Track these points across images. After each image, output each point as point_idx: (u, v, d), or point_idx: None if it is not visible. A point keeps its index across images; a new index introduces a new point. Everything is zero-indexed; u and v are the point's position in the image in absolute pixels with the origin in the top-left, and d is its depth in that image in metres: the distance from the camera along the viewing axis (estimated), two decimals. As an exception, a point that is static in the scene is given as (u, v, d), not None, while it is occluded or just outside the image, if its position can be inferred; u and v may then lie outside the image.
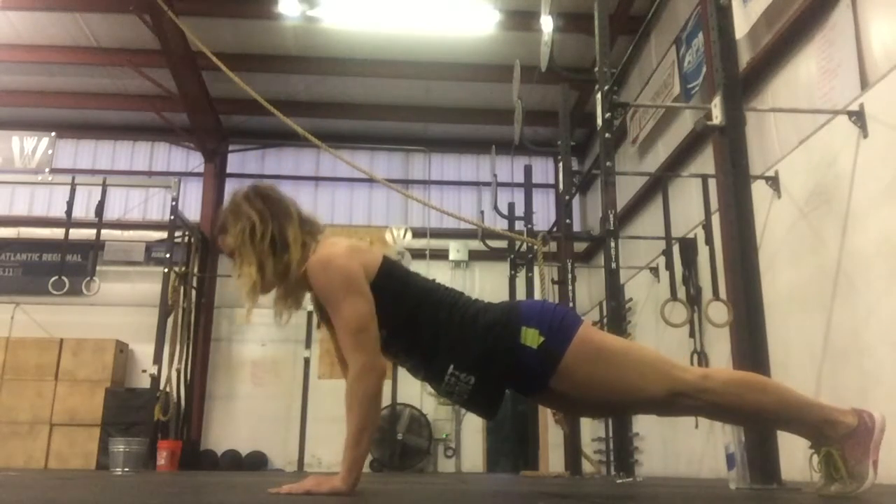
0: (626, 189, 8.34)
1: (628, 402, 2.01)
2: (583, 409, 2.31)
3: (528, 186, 9.24)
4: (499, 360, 1.92)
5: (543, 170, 11.52)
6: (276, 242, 2.00)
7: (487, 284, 11.16)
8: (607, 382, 1.91)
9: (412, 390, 10.33)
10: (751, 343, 3.21)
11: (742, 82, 4.43)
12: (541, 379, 1.92)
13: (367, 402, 1.87)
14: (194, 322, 10.15)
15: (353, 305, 1.90)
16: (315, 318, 9.95)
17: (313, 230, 2.07)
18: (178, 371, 9.37)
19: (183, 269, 9.73)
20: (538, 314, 1.94)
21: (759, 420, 2.22)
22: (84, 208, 9.45)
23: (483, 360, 1.92)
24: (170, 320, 9.13)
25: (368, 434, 1.88)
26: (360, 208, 11.65)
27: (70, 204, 8.42)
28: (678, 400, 1.89)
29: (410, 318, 1.95)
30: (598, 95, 4.86)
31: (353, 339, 1.90)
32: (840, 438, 1.85)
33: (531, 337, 1.89)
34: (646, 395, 1.90)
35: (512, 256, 9.46)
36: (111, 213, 10.32)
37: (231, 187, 11.55)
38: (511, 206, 9.87)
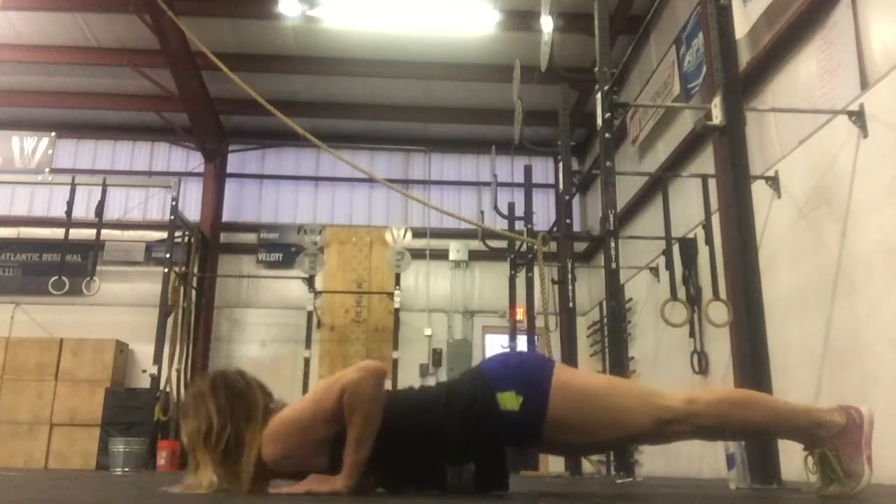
0: (626, 189, 8.34)
1: (620, 437, 2.01)
2: (579, 450, 2.33)
3: (528, 186, 9.23)
4: (488, 437, 1.92)
5: (543, 170, 11.52)
6: (229, 445, 1.91)
7: (487, 284, 11.17)
8: (596, 423, 1.92)
9: (412, 390, 10.33)
10: (751, 343, 3.21)
11: (742, 82, 4.42)
12: (531, 434, 1.93)
13: (366, 407, 1.86)
14: (194, 322, 10.15)
15: (310, 403, 1.90)
16: (315, 319, 9.89)
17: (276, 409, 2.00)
18: (178, 371, 9.37)
19: (183, 269, 9.73)
20: (507, 374, 1.93)
21: (750, 434, 2.26)
22: (84, 208, 9.45)
23: (473, 445, 1.92)
24: (170, 320, 9.13)
25: (369, 438, 1.87)
26: (360, 208, 11.65)
27: (70, 204, 8.42)
28: (667, 428, 1.90)
29: (387, 441, 1.89)
30: (598, 95, 4.85)
31: (333, 386, 1.87)
32: (831, 438, 1.85)
33: (509, 400, 1.88)
34: (635, 428, 1.92)
35: (512, 256, 9.46)
36: (111, 213, 10.32)
37: (231, 187, 11.56)
38: (511, 206, 9.87)
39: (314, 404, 1.90)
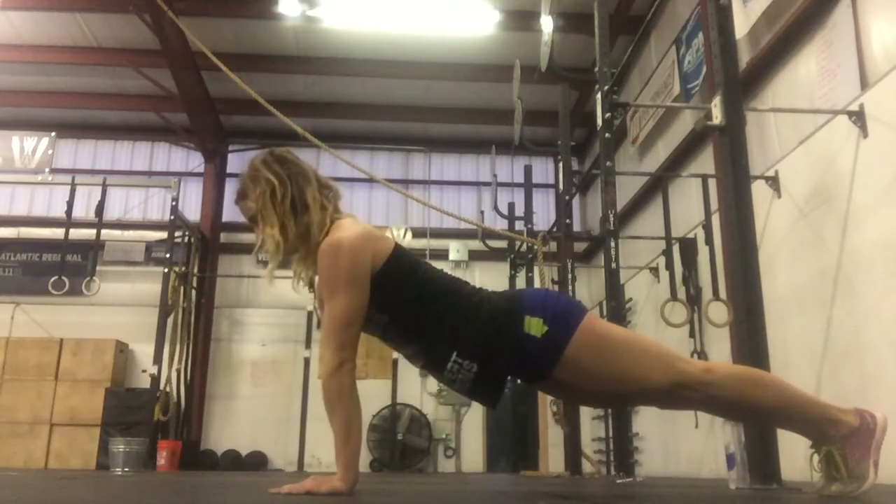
0: (626, 189, 8.34)
1: (630, 392, 2.00)
2: (584, 398, 2.32)
3: (528, 186, 9.23)
4: (502, 348, 1.91)
5: (543, 170, 11.52)
6: (296, 204, 2.04)
7: (487, 284, 10.73)
8: (610, 372, 1.91)
9: (412, 390, 10.34)
10: (751, 343, 3.21)
11: (742, 82, 4.43)
12: (544, 367, 1.92)
13: (346, 397, 1.89)
14: (194, 322, 10.15)
15: (349, 298, 1.92)
16: (315, 318, 9.90)
17: (331, 194, 2.11)
18: (178, 371, 9.37)
19: (183, 269, 9.73)
20: (542, 303, 1.94)
21: (759, 416, 2.20)
22: (84, 208, 9.44)
23: (486, 347, 1.92)
24: (170, 320, 9.13)
25: (356, 428, 1.89)
26: (360, 208, 11.62)
27: (70, 204, 8.41)
28: (680, 392, 1.89)
29: (414, 304, 1.96)
30: (598, 95, 4.86)
31: (339, 333, 1.92)
32: (841, 438, 1.84)
33: (535, 326, 1.89)
34: (648, 385, 1.90)
35: (512, 256, 9.46)
36: (111, 213, 10.31)
37: (231, 187, 11.55)
38: (511, 206, 9.87)
39: (337, 301, 1.95)
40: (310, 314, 9.59)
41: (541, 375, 1.96)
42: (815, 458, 1.91)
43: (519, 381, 2.07)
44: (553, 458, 9.27)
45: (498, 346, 1.91)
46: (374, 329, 2.03)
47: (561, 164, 7.47)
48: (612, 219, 4.72)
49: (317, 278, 2.07)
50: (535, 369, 1.94)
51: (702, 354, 6.56)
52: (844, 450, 1.83)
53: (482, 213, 9.96)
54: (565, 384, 1.98)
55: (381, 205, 11.66)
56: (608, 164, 4.74)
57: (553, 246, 8.08)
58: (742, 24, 5.53)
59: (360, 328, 1.96)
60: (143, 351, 9.67)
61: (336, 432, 1.88)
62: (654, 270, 7.89)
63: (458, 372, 1.93)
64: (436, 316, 1.94)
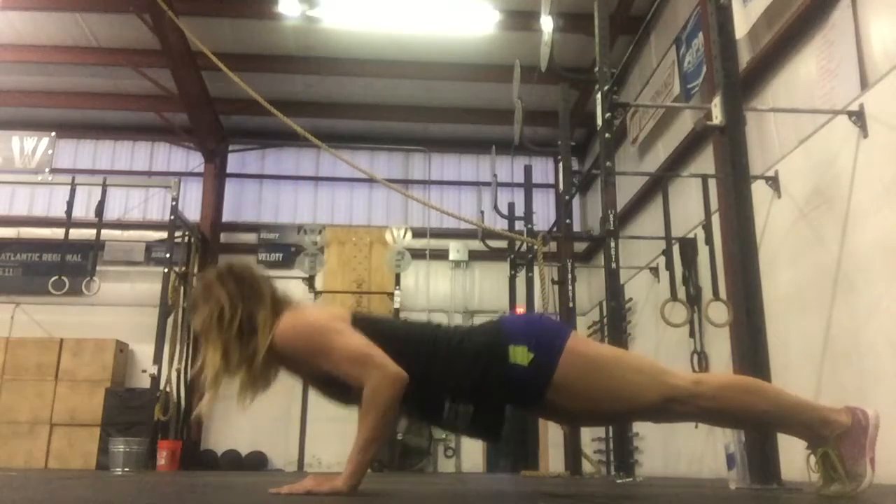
0: (626, 189, 8.34)
1: (623, 410, 2.01)
2: (580, 419, 2.32)
3: (528, 186, 9.24)
4: (493, 384, 1.91)
5: (543, 170, 11.52)
6: (243, 328, 1.95)
7: (487, 284, 11.17)
8: (601, 392, 1.92)
9: (412, 390, 10.33)
10: (751, 343, 3.21)
11: (742, 82, 4.43)
12: (535, 393, 1.92)
13: (380, 414, 1.84)
14: (194, 322, 10.14)
15: (342, 340, 1.89)
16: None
17: (285, 306, 2.02)
18: (178, 371, 9.37)
19: (183, 269, 9.73)
20: (523, 330, 1.94)
21: (753, 423, 2.23)
22: (84, 208, 9.44)
23: (478, 387, 1.91)
24: (170, 320, 9.13)
25: (378, 444, 1.87)
26: (360, 208, 11.65)
27: (70, 204, 8.42)
28: (672, 406, 1.90)
29: (396, 359, 1.90)
30: (598, 95, 4.86)
31: (362, 365, 1.86)
32: (836, 438, 1.85)
33: (520, 355, 1.88)
34: (640, 402, 1.91)
35: (512, 256, 9.46)
36: (111, 213, 10.31)
37: (231, 187, 11.56)
38: (511, 206, 9.87)
39: (338, 346, 1.89)
40: (310, 314, 9.59)
41: (534, 401, 1.96)
42: (812, 459, 1.91)
43: (515, 407, 2.04)
44: (553, 458, 9.28)
45: (488, 382, 1.91)
46: (358, 399, 1.95)
47: (561, 164, 7.47)
48: (612, 219, 4.72)
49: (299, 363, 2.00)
50: (527, 397, 1.95)
51: (702, 354, 6.56)
52: (840, 450, 1.84)
53: (482, 213, 9.96)
54: (559, 407, 1.98)
55: (381, 205, 11.66)
56: (608, 164, 4.74)
57: (553, 246, 8.08)
58: (742, 24, 5.53)
59: (376, 350, 1.88)
60: (143, 351, 9.68)
61: (358, 438, 1.85)
62: (654, 270, 7.89)
63: (456, 417, 1.93)
64: (421, 367, 1.91)
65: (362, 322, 1.98)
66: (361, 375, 1.85)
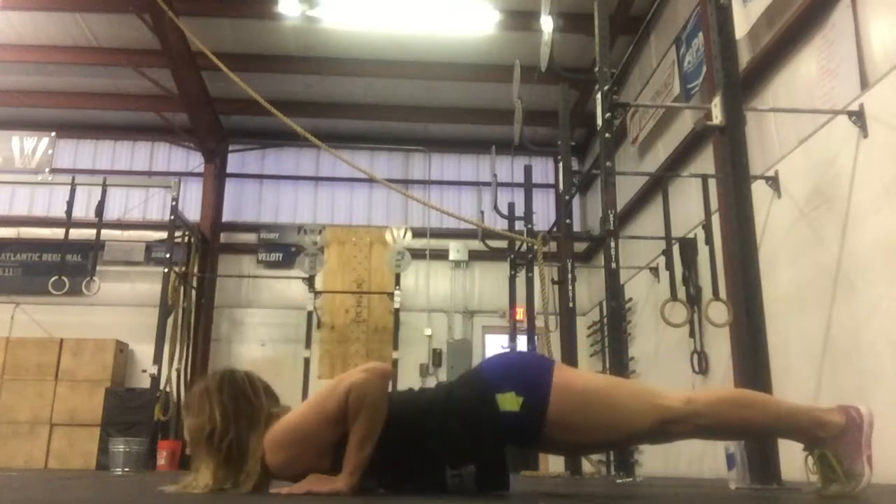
0: (626, 189, 8.34)
1: (620, 437, 2.02)
2: (578, 449, 2.33)
3: (528, 186, 9.22)
4: (489, 438, 1.91)
5: (543, 170, 11.52)
6: (232, 450, 1.91)
7: (487, 284, 11.17)
8: (596, 423, 1.92)
9: (412, 390, 10.33)
10: (751, 343, 3.21)
11: (742, 82, 4.42)
12: (533, 434, 1.93)
13: (369, 409, 1.85)
14: (194, 322, 10.15)
15: (312, 406, 1.89)
16: (315, 319, 9.86)
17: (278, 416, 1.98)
18: (178, 371, 9.37)
19: (183, 269, 9.73)
20: (506, 375, 1.94)
21: (750, 434, 2.27)
22: (84, 208, 9.44)
23: (475, 445, 1.91)
24: (170, 320, 9.13)
25: (372, 440, 1.86)
26: (360, 208, 11.65)
27: (70, 204, 8.41)
28: (667, 428, 1.91)
29: (387, 438, 1.89)
30: (598, 95, 4.85)
31: (339, 390, 1.85)
32: (832, 438, 1.85)
33: (509, 401, 1.88)
34: (634, 429, 1.92)
35: (512, 256, 9.46)
36: (111, 213, 10.31)
37: (231, 187, 11.56)
38: (511, 206, 9.86)
39: (316, 410, 1.90)
40: (310, 314, 9.59)
41: (531, 442, 1.97)
42: (810, 460, 1.91)
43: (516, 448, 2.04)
44: (553, 458, 9.27)
45: (484, 437, 1.91)
46: (368, 482, 1.93)
47: (561, 164, 7.47)
48: (612, 219, 4.72)
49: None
50: (525, 438, 1.95)
51: (702, 354, 6.56)
52: (837, 450, 1.84)
53: (482, 213, 9.95)
54: (556, 442, 1.99)
55: (381, 205, 11.66)
56: (608, 164, 4.73)
57: (553, 246, 8.08)
58: (742, 24, 5.53)
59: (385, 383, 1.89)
60: (143, 351, 9.67)
61: (354, 434, 1.86)
62: (654, 270, 7.89)
63: (461, 481, 1.93)
64: (415, 436, 1.90)
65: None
66: (344, 390, 1.84)
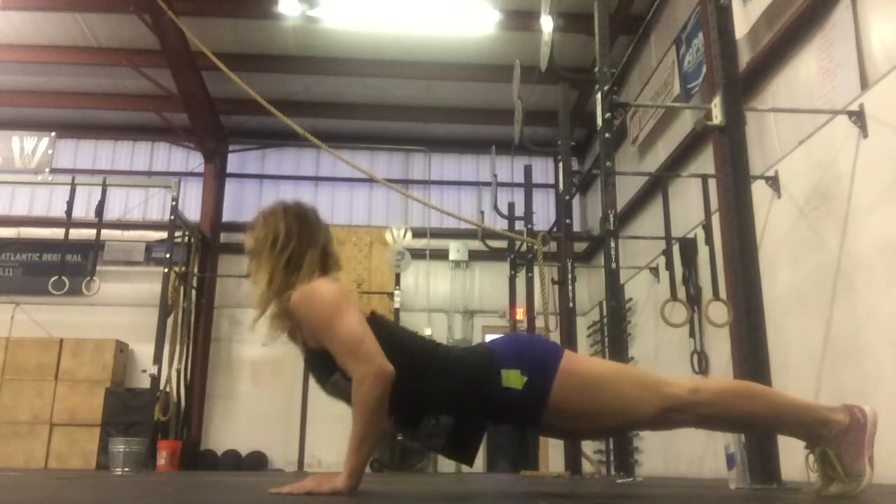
0: (626, 189, 8.34)
1: (622, 424, 2.03)
2: (578, 435, 2.33)
3: (528, 186, 9.22)
4: (480, 403, 1.91)
5: (543, 170, 11.52)
6: (291, 262, 2.03)
7: (487, 284, 11.17)
8: (599, 409, 1.92)
9: (412, 390, 10.34)
10: (751, 343, 3.21)
11: (742, 82, 4.43)
12: (532, 416, 1.92)
13: (368, 410, 1.85)
14: (194, 322, 10.15)
15: (344, 322, 1.90)
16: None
17: (333, 265, 2.12)
18: (178, 371, 9.37)
19: (183, 269, 9.73)
20: (515, 353, 1.94)
21: (752, 427, 2.26)
22: (84, 208, 9.45)
23: (462, 402, 1.91)
24: (170, 320, 9.13)
25: (371, 441, 1.87)
26: (360, 208, 11.65)
27: (70, 204, 8.42)
28: (670, 415, 1.91)
29: (393, 363, 1.90)
30: (598, 95, 4.85)
31: (352, 354, 1.88)
32: (834, 437, 1.85)
33: (513, 378, 1.89)
34: (638, 415, 1.92)
35: (512, 256, 9.46)
36: (111, 213, 10.32)
37: (231, 187, 11.57)
38: (511, 206, 9.86)
39: (338, 324, 1.91)
40: (310, 314, 9.59)
41: (531, 422, 1.97)
42: (811, 459, 1.91)
43: (513, 428, 2.06)
44: (553, 458, 9.28)
45: (478, 401, 1.91)
46: (343, 395, 1.97)
47: (561, 164, 7.47)
48: (612, 219, 4.72)
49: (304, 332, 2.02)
50: (523, 419, 1.95)
51: (702, 354, 6.56)
52: (839, 449, 1.84)
53: (482, 213, 9.95)
54: (557, 426, 1.99)
55: (381, 205, 11.66)
56: (608, 164, 4.73)
57: (553, 246, 8.08)
58: (742, 24, 5.53)
59: (372, 340, 1.90)
60: (143, 351, 9.68)
61: (353, 435, 1.87)
62: (654, 270, 7.89)
63: (435, 427, 1.92)
64: (412, 376, 1.91)
65: (373, 320, 1.99)
66: (349, 364, 1.88)
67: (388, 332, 2.01)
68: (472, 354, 2.00)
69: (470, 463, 2.03)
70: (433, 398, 1.92)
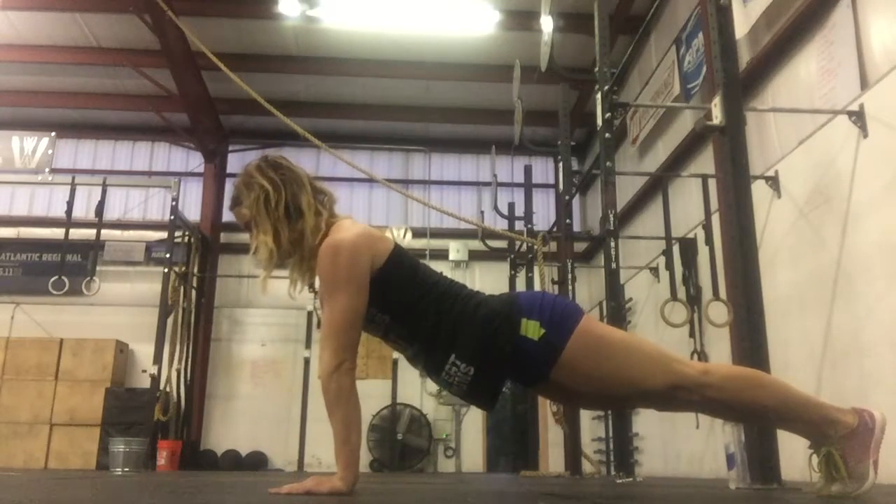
0: (626, 189, 8.34)
1: (627, 394, 2.00)
2: (582, 400, 2.31)
3: (528, 186, 9.23)
4: (498, 351, 1.92)
5: (543, 170, 11.52)
6: (290, 210, 2.04)
7: (487, 284, 11.11)
8: (608, 374, 1.92)
9: (412, 390, 10.34)
10: (751, 343, 3.21)
11: (742, 82, 4.43)
12: (541, 370, 1.92)
13: (345, 398, 1.89)
14: (194, 322, 10.15)
15: (349, 299, 1.92)
16: (315, 318, 9.86)
17: (326, 199, 2.12)
18: (178, 371, 9.38)
19: (183, 269, 9.73)
20: (538, 306, 1.94)
21: (758, 417, 2.21)
22: (84, 208, 9.45)
23: (483, 350, 1.92)
24: (170, 320, 9.13)
25: (355, 428, 1.89)
26: (360, 208, 11.63)
27: (70, 204, 8.41)
28: (677, 394, 1.89)
29: (414, 306, 1.96)
30: (598, 95, 4.86)
31: (339, 336, 1.92)
32: (840, 438, 1.84)
33: (532, 329, 1.89)
34: (646, 387, 1.91)
35: (512, 256, 9.46)
36: (111, 213, 10.31)
37: (231, 187, 11.54)
38: (511, 206, 9.87)
39: (337, 291, 1.95)
40: (310, 314, 9.60)
41: (538, 378, 1.97)
42: (815, 458, 1.90)
43: (517, 383, 2.06)
44: (553, 458, 9.28)
45: (495, 348, 1.92)
46: (377, 330, 2.03)
47: (561, 164, 7.48)
48: (612, 219, 4.72)
49: (317, 280, 2.05)
50: (533, 372, 1.95)
51: (702, 354, 6.56)
52: (844, 450, 1.83)
53: (482, 213, 9.97)
54: (563, 387, 1.98)
55: (381, 205, 11.66)
56: (608, 164, 4.74)
57: (553, 246, 8.09)
58: (742, 24, 5.53)
59: (359, 330, 1.96)
60: (143, 351, 9.68)
61: (336, 432, 1.89)
62: (654, 270, 7.89)
63: (456, 375, 1.94)
64: (435, 317, 1.95)
65: (397, 259, 2.00)
66: (329, 347, 1.94)
67: (413, 269, 2.02)
68: (497, 300, 2.01)
69: (490, 409, 2.08)
70: (455, 342, 1.93)
